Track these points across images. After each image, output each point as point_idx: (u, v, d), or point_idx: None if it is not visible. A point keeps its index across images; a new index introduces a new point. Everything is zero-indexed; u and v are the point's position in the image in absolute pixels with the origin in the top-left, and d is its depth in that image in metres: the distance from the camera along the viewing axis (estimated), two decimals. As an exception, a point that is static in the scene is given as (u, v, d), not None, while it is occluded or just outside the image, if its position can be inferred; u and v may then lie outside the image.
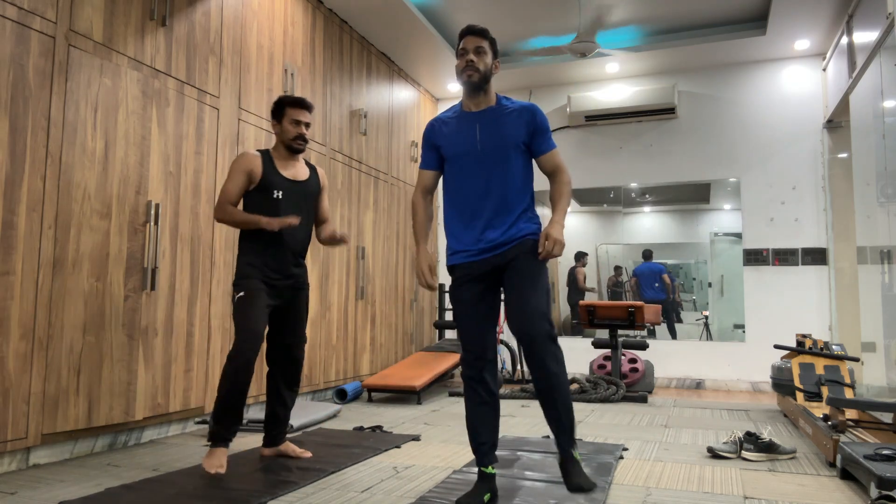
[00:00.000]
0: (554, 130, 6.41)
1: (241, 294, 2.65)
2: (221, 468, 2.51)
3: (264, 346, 3.00)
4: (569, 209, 2.26)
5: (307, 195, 2.88)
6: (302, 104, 2.82)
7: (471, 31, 2.29)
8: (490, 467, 2.25)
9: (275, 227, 2.65)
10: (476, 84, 2.26)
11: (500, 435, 3.40)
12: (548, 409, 2.18)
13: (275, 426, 2.90)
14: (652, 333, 5.95)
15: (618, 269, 6.19)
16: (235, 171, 2.72)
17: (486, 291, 2.29)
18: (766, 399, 5.03)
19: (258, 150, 2.82)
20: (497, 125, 2.28)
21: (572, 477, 2.16)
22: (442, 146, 2.35)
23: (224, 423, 2.58)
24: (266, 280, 2.71)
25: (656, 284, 6.02)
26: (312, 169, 2.96)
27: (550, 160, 2.31)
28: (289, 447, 2.91)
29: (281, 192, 2.77)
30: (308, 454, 2.90)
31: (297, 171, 2.87)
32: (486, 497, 2.20)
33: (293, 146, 2.82)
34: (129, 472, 2.59)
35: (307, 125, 2.83)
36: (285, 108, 2.81)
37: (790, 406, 3.85)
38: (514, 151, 2.26)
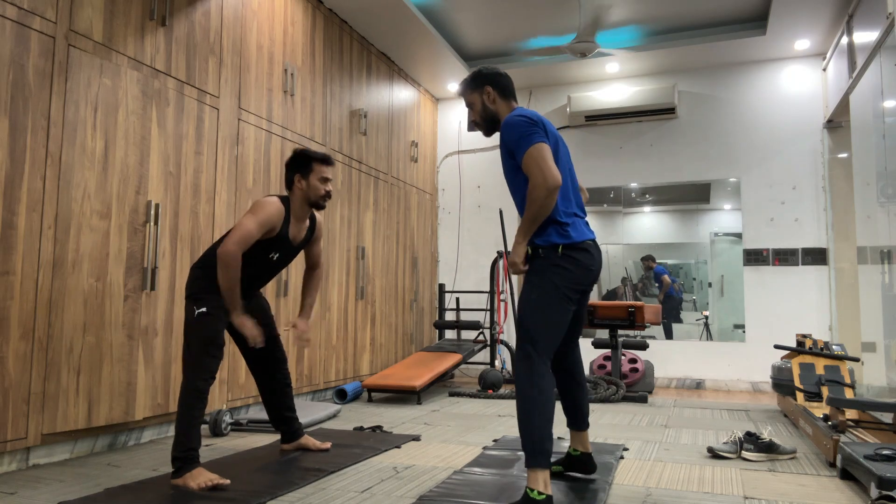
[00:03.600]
0: (554, 130, 6.40)
1: (204, 310, 2.52)
2: (216, 478, 2.35)
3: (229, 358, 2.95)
4: (532, 220, 2.20)
5: (298, 250, 2.82)
6: (330, 161, 2.74)
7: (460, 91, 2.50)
8: (573, 448, 2.51)
9: (245, 330, 2.53)
10: (486, 130, 2.45)
11: (500, 435, 3.40)
12: None
13: (285, 423, 2.93)
14: (668, 333, 5.91)
15: None
16: (263, 219, 2.55)
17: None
18: (766, 399, 5.03)
19: (280, 199, 2.67)
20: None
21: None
22: None
23: (194, 447, 2.42)
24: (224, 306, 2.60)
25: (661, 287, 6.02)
26: (313, 220, 2.88)
27: (525, 169, 2.21)
28: (308, 440, 2.96)
29: (277, 255, 2.71)
30: (328, 445, 2.98)
31: (302, 229, 2.78)
32: (555, 468, 2.53)
33: (320, 203, 2.73)
34: (129, 472, 2.59)
35: (331, 180, 2.75)
36: (313, 164, 2.71)
37: (790, 406, 3.85)
38: (512, 175, 2.34)
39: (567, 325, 2.28)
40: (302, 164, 2.72)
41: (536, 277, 2.25)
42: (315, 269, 2.98)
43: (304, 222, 2.80)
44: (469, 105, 2.45)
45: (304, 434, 2.98)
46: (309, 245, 2.93)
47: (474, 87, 2.43)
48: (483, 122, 2.43)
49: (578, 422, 2.51)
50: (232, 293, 2.50)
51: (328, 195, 2.73)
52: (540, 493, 2.05)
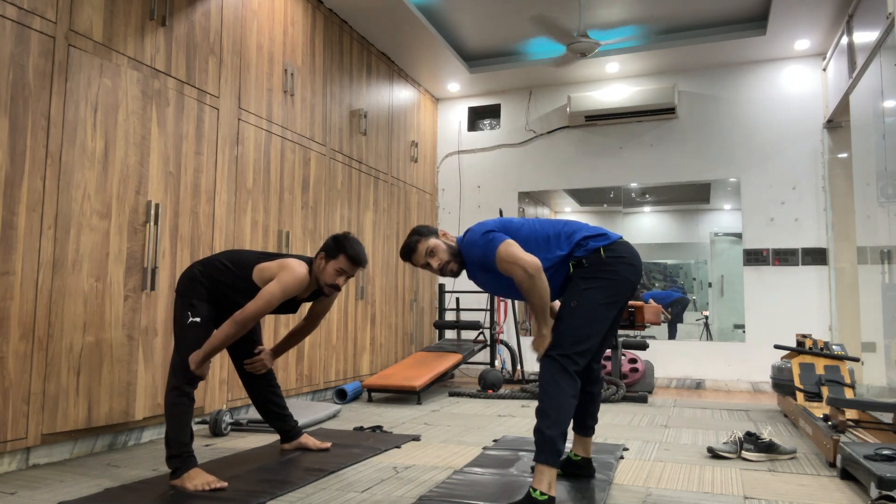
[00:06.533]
0: (553, 130, 6.41)
1: (197, 321, 2.52)
2: (214, 480, 2.35)
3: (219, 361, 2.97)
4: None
5: (298, 305, 2.79)
6: (358, 263, 2.62)
7: (404, 260, 2.45)
8: (574, 453, 2.52)
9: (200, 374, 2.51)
10: (460, 267, 2.40)
11: (500, 435, 3.40)
12: None
13: (280, 420, 2.94)
14: (672, 334, 5.92)
15: None
16: (288, 290, 2.52)
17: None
18: (766, 399, 5.03)
19: (308, 266, 2.64)
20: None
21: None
22: None
23: (187, 443, 2.41)
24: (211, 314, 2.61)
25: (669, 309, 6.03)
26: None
27: (504, 272, 2.29)
28: (308, 440, 2.97)
29: (278, 309, 2.71)
30: (328, 445, 2.98)
31: (310, 288, 2.72)
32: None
33: (324, 290, 2.66)
34: (129, 472, 2.59)
35: (350, 277, 2.66)
36: (341, 255, 2.61)
37: (790, 406, 3.85)
38: (497, 282, 2.36)
39: (604, 333, 2.27)
40: (333, 247, 2.63)
41: (582, 284, 2.25)
42: (312, 324, 2.88)
43: (313, 286, 2.74)
44: (432, 253, 2.38)
45: (303, 433, 2.98)
46: (316, 301, 2.85)
47: (427, 236, 2.40)
48: (455, 258, 2.38)
49: (585, 428, 2.50)
50: (219, 349, 2.48)
51: (335, 287, 2.63)
52: (542, 494, 2.05)
